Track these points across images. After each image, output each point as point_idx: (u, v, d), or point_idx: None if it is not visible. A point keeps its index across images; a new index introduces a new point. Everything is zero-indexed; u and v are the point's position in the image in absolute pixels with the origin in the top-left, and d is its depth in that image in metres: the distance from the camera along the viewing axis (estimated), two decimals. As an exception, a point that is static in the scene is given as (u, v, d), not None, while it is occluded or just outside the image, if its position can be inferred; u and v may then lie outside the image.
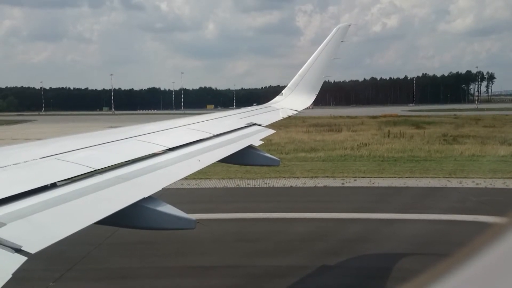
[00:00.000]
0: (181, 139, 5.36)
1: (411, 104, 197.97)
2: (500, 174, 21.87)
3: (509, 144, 33.67)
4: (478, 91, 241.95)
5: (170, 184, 4.00)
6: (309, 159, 28.23)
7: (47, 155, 3.71)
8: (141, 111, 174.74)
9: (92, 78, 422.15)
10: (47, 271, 10.30)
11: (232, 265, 11.19)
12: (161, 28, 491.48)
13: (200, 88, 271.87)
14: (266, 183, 20.84)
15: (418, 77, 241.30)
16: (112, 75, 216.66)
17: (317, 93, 11.24)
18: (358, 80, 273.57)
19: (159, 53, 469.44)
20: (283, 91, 11.60)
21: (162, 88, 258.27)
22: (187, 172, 4.49)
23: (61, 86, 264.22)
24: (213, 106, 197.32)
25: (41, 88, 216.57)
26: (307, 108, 11.10)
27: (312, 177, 22.03)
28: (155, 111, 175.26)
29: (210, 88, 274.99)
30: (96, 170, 3.63)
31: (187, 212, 3.80)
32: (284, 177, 21.88)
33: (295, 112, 10.55)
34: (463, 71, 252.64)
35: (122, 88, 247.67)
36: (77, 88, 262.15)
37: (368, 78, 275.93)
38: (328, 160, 27.76)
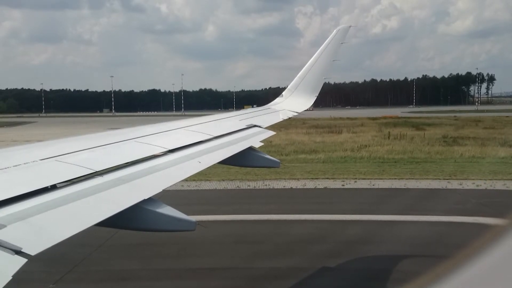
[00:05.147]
0: (181, 141, 5.35)
1: (411, 106, 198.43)
2: (501, 175, 21.86)
3: (509, 145, 33.65)
4: (478, 92, 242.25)
5: (170, 186, 3.99)
6: (309, 160, 28.21)
7: (47, 157, 3.70)
8: (141, 113, 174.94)
9: (92, 80, 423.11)
10: (47, 272, 10.30)
11: (232, 267, 11.18)
12: (161, 29, 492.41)
13: (200, 89, 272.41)
14: (266, 185, 20.83)
15: (418, 78, 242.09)
16: (112, 77, 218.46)
17: (317, 94, 11.23)
18: (358, 82, 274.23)
19: (159, 55, 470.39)
20: (283, 93, 11.59)
21: (162, 90, 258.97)
22: (187, 173, 4.48)
23: (61, 88, 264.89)
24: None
25: (41, 89, 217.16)
26: (307, 110, 11.10)
27: (312, 178, 22.01)
28: (155, 113, 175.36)
29: (210, 90, 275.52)
30: (96, 171, 3.63)
31: (187, 213, 3.80)
32: (284, 179, 21.86)
33: (295, 114, 10.54)
34: (463, 73, 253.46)
35: (123, 90, 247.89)
36: (77, 90, 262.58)
37: (368, 79, 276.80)
38: (328, 161, 27.75)
